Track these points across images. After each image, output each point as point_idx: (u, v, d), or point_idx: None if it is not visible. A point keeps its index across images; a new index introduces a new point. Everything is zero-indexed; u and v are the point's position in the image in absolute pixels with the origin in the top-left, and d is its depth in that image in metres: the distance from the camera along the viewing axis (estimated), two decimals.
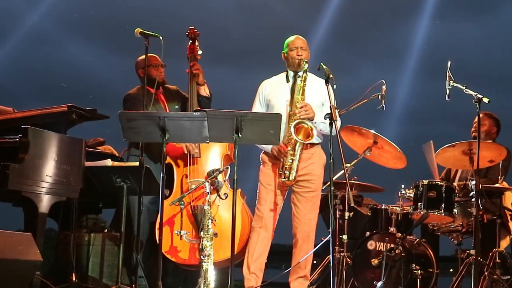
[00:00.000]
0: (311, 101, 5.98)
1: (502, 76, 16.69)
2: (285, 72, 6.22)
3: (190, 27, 6.71)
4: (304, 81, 5.97)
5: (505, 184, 6.81)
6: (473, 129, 7.22)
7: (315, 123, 5.91)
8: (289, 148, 5.89)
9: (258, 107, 6.23)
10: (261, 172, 6.17)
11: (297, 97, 5.95)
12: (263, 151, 6.18)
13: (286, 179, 5.91)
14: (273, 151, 6.00)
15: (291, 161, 5.88)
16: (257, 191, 6.16)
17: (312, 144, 6.05)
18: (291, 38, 6.19)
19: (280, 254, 7.77)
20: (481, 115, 6.66)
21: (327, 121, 5.46)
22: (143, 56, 6.35)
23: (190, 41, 6.71)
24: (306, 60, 6.01)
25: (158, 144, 5.45)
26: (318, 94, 6.01)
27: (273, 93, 6.19)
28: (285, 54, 6.18)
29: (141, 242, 6.24)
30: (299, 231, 6.08)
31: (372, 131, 6.96)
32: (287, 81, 6.17)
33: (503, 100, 6.16)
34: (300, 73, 6.03)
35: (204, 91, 6.71)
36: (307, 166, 6.03)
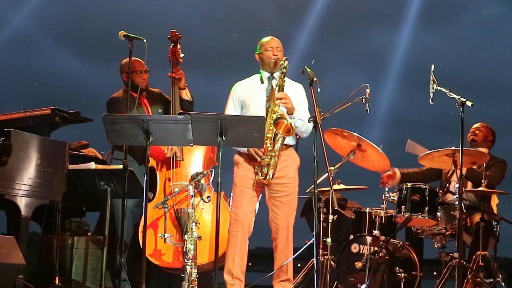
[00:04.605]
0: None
1: (466, 83, 16.87)
2: (259, 74, 6.15)
3: (172, 30, 6.66)
4: (284, 77, 5.90)
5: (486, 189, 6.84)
6: (470, 134, 7.30)
7: (293, 118, 5.86)
8: (268, 144, 5.80)
9: (231, 109, 6.12)
10: (236, 174, 6.08)
11: (276, 93, 5.86)
12: (236, 152, 6.08)
13: (264, 177, 5.82)
14: (251, 150, 5.91)
15: (269, 157, 5.82)
16: (231, 193, 6.10)
17: (287, 146, 5.99)
18: (266, 38, 6.13)
19: (262, 257, 7.78)
20: (479, 125, 7.16)
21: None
22: (127, 59, 6.29)
23: (172, 44, 6.66)
24: (286, 57, 5.94)
25: (141, 147, 5.43)
26: (293, 96, 5.95)
27: (247, 95, 6.11)
28: (260, 55, 6.13)
29: (125, 245, 6.22)
30: (279, 236, 6.01)
31: (355, 134, 6.96)
32: (262, 82, 6.11)
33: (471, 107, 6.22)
34: (277, 73, 5.98)
35: (186, 95, 6.69)
36: (282, 168, 5.94)
